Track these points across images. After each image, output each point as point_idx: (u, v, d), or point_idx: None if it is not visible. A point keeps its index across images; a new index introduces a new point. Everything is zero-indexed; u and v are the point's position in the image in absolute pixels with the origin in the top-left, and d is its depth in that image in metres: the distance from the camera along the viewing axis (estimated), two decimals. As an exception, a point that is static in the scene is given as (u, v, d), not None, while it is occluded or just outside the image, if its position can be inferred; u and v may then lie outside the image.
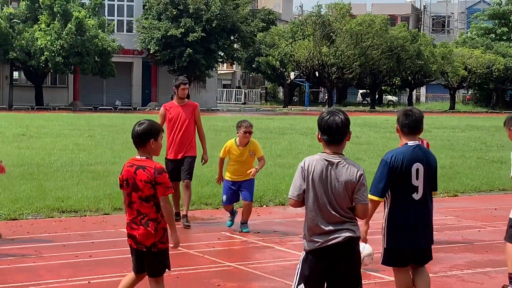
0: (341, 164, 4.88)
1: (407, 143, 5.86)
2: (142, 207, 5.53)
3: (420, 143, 5.98)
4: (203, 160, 10.69)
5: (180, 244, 9.16)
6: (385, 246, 5.84)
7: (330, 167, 4.88)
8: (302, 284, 4.91)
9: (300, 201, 4.95)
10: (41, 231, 9.68)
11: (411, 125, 5.86)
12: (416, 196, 5.73)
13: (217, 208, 12.01)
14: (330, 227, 4.85)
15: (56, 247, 8.78)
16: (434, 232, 5.98)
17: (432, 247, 5.96)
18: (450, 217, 11.59)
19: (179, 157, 10.40)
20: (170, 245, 5.70)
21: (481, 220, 11.33)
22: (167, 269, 5.77)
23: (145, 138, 5.57)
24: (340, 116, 4.93)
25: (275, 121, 38.44)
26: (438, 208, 10.81)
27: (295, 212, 11.55)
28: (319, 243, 4.85)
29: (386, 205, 5.83)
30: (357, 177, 4.86)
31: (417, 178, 5.71)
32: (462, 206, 12.81)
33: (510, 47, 70.10)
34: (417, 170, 5.72)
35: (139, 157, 5.62)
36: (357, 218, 4.98)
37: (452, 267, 8.31)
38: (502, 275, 7.94)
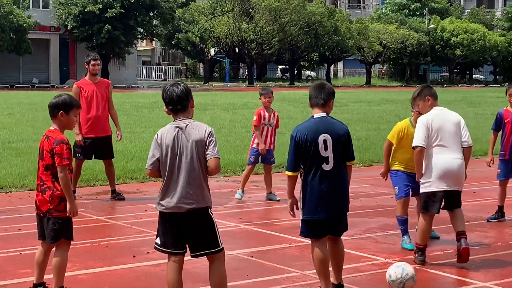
0: (189, 126, 5.33)
1: (313, 116, 5.97)
2: (43, 175, 5.87)
3: (325, 114, 5.96)
4: (118, 136, 10.81)
5: (109, 216, 9.52)
6: (301, 218, 5.99)
7: (180, 132, 5.33)
8: (159, 237, 5.46)
9: (156, 170, 5.41)
10: (-33, 207, 9.77)
11: (317, 97, 5.94)
12: (327, 167, 5.82)
13: (142, 182, 12.32)
14: (177, 195, 5.29)
15: (-16, 222, 8.92)
16: (350, 200, 6.17)
17: (349, 213, 6.19)
18: (365, 185, 12.23)
19: (94, 135, 10.50)
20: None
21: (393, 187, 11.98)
22: (66, 239, 5.92)
23: (55, 109, 5.91)
24: (180, 86, 5.40)
25: (196, 97, 38.31)
26: (354, 177, 11.37)
27: (218, 184, 11.98)
28: (164, 207, 5.35)
29: (301, 177, 6.00)
30: (206, 134, 5.31)
31: (325, 149, 5.82)
32: (376, 175, 13.34)
33: (423, 22, 72.11)
34: (325, 141, 5.81)
35: (52, 128, 5.96)
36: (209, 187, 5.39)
37: (366, 230, 8.90)
38: (412, 236, 8.55)
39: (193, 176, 5.31)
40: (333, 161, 5.85)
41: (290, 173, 5.95)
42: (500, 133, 9.75)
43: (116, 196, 10.65)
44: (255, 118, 10.59)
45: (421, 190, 7.43)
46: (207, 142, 5.29)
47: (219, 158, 5.34)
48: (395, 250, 7.93)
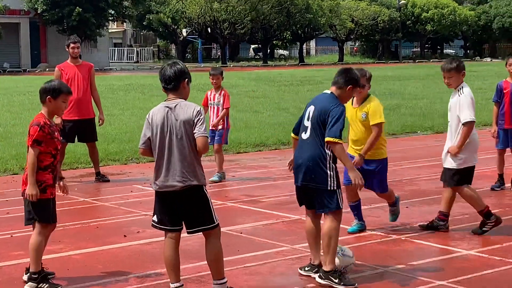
0: (178, 106, 5.45)
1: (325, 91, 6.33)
2: (27, 156, 5.92)
3: (330, 92, 6.18)
4: (101, 121, 10.87)
5: (95, 198, 9.60)
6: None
7: (169, 111, 5.45)
8: (155, 215, 5.59)
9: (148, 149, 5.54)
10: (-47, 193, 9.78)
11: (335, 77, 6.32)
12: (304, 136, 6.10)
13: (125, 164, 12.39)
14: (170, 174, 5.41)
15: (-28, 207, 8.96)
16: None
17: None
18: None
19: (77, 118, 10.55)
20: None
21: (374, 162, 12.17)
22: (39, 222, 5.89)
23: (43, 94, 5.99)
24: (174, 66, 5.51)
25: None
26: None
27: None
28: (158, 187, 5.48)
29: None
30: (194, 113, 5.41)
31: (308, 119, 6.10)
32: (356, 151, 13.66)
33: (394, -2, 72.42)
34: (309, 112, 6.12)
35: (41, 112, 6.03)
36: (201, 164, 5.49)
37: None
38: (382, 211, 8.76)
39: (184, 155, 5.41)
40: (310, 131, 6.06)
41: (291, 134, 6.48)
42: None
43: (101, 178, 10.72)
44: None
45: (463, 165, 7.47)
46: (195, 121, 5.39)
47: (207, 137, 5.44)
48: (380, 222, 8.11)
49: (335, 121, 5.91)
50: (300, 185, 6.09)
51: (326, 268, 5.95)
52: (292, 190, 9.93)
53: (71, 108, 10.48)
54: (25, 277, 6.02)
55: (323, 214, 6.12)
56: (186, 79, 5.50)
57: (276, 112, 20.38)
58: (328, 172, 5.96)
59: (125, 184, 10.54)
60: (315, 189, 6.00)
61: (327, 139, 5.91)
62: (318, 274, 6.02)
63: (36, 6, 52.88)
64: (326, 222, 6.03)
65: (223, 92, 10.70)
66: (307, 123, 6.08)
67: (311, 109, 6.10)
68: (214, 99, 10.61)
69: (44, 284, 5.86)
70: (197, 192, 5.48)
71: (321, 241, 6.11)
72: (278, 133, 15.70)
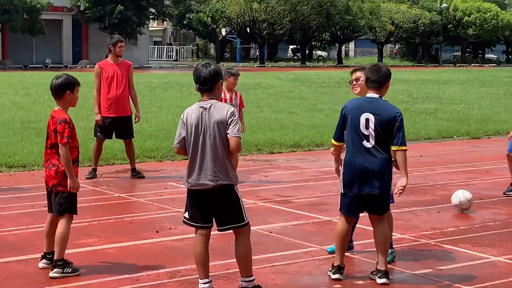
0: (212, 106, 5.56)
1: (366, 96, 6.20)
2: (49, 153, 6.19)
3: (378, 96, 6.12)
4: (137, 118, 11.05)
5: (130, 194, 9.79)
6: (341, 191, 6.18)
7: (204, 112, 5.56)
8: (187, 211, 5.70)
9: (182, 148, 5.66)
10: (-7, 185, 10.05)
11: (372, 79, 6.15)
12: (367, 144, 5.99)
13: (160, 161, 12.58)
14: (203, 172, 5.53)
15: (10, 199, 9.22)
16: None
17: None
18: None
19: (114, 115, 10.72)
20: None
21: (408, 166, 12.16)
22: (70, 213, 6.23)
23: (62, 90, 6.18)
24: (209, 67, 5.60)
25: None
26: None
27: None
28: (190, 185, 5.60)
29: (344, 151, 6.26)
30: (228, 114, 5.53)
31: (366, 128, 5.99)
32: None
33: (435, 1, 71.79)
34: (367, 119, 5.99)
35: (56, 108, 6.24)
36: (233, 164, 5.63)
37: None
38: (427, 213, 8.81)
39: (216, 155, 5.53)
40: (374, 140, 6.00)
41: (333, 142, 6.33)
42: None
43: (136, 174, 10.91)
44: None
45: None
46: (229, 122, 5.51)
47: (240, 137, 5.56)
48: (410, 226, 8.15)
49: (403, 129, 6.07)
50: (365, 193, 6.07)
51: (385, 267, 6.13)
52: (323, 191, 10.09)
53: (110, 105, 10.69)
54: (41, 264, 6.36)
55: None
56: (221, 80, 5.63)
57: (312, 113, 20.42)
58: (391, 178, 6.16)
59: (160, 181, 10.71)
60: (378, 195, 6.08)
61: (400, 147, 6.04)
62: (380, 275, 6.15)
63: (79, 3, 53.68)
64: (380, 225, 6.18)
65: (238, 93, 10.73)
66: (367, 131, 6.01)
67: (369, 117, 6.00)
68: (232, 100, 10.58)
69: (68, 269, 6.18)
70: (228, 191, 5.60)
71: (377, 244, 6.22)
72: (313, 135, 15.76)
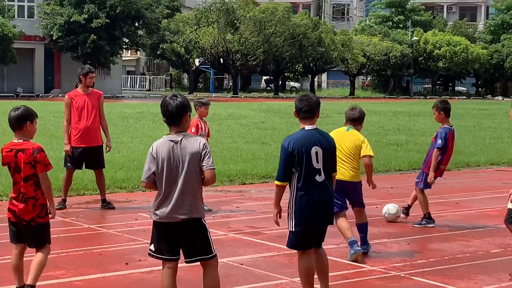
0: (184, 139, 5.54)
1: (304, 128, 6.09)
2: (22, 186, 6.07)
3: (315, 126, 6.11)
4: (108, 148, 11.00)
5: (100, 225, 9.71)
6: (292, 230, 6.07)
7: (175, 146, 5.53)
8: (153, 244, 5.67)
9: (152, 182, 5.61)
10: (-40, 216, 9.89)
11: (306, 109, 6.06)
12: (319, 178, 5.98)
13: (131, 191, 12.50)
14: (172, 205, 5.50)
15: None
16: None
17: (334, 221, 6.53)
18: (351, 195, 12.46)
19: (85, 145, 10.67)
20: (51, 219, 6.27)
21: (379, 197, 12.25)
22: (49, 243, 6.28)
23: (22, 121, 6.12)
24: (176, 100, 5.57)
25: (181, 108, 38.68)
26: (339, 187, 11.67)
27: (205, 194, 12.15)
28: (158, 217, 5.57)
29: (292, 189, 6.09)
30: (201, 146, 5.53)
31: (317, 161, 5.96)
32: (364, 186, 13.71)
33: (406, 34, 72.79)
34: (316, 153, 5.96)
35: (16, 140, 6.16)
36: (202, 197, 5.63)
37: (371, 236, 9.10)
38: (397, 245, 8.84)
39: (188, 188, 5.52)
40: (324, 172, 6.02)
41: (279, 183, 6.07)
42: None
43: (106, 205, 10.83)
44: (193, 130, 10.35)
45: None
46: (202, 154, 5.51)
47: (214, 169, 5.56)
48: (380, 258, 8.16)
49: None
50: (323, 228, 6.20)
51: None
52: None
53: (80, 136, 10.63)
54: None
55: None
56: (188, 113, 5.62)
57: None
58: None
59: (130, 211, 10.64)
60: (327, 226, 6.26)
61: (335, 173, 6.37)
62: None
63: (51, 32, 53.56)
64: (323, 251, 6.30)
65: (207, 122, 10.88)
66: (318, 165, 6.01)
67: (318, 150, 6.01)
68: (204, 130, 10.65)
69: None
70: (197, 223, 5.58)
71: (319, 272, 6.24)
72: (285, 166, 15.75)
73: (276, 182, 6.10)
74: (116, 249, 8.36)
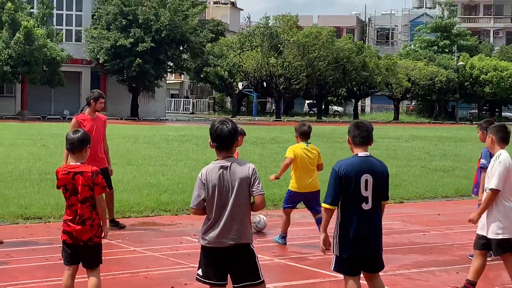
0: (233, 165, 5.52)
1: (357, 154, 6.07)
2: (79, 208, 6.19)
3: (369, 154, 6.10)
4: (110, 172, 10.98)
5: (145, 248, 9.73)
6: (336, 254, 6.05)
7: (224, 171, 5.50)
8: (201, 268, 5.63)
9: (201, 209, 5.58)
10: (8, 236, 10.02)
11: (362, 136, 6.08)
12: (366, 206, 5.90)
13: (176, 214, 12.51)
14: (220, 230, 5.48)
15: (26, 251, 9.17)
16: (383, 236, 6.25)
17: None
18: (397, 222, 12.30)
19: None
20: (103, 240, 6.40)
21: (426, 224, 12.06)
22: (101, 262, 6.42)
23: (83, 144, 6.25)
24: (228, 125, 5.55)
25: (225, 131, 38.85)
26: (385, 214, 11.45)
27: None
28: (206, 242, 5.53)
29: (338, 214, 6.07)
30: (251, 172, 5.50)
31: (366, 189, 5.89)
32: (408, 212, 13.55)
33: (451, 59, 72.17)
34: (366, 180, 5.90)
35: (73, 163, 6.25)
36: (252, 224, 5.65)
37: (400, 266, 8.97)
38: (445, 273, 8.66)
39: (237, 213, 5.49)
40: (372, 201, 5.95)
41: (327, 206, 6.01)
42: None
43: (116, 224, 10.83)
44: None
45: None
46: (252, 179, 5.49)
47: (264, 194, 5.52)
48: (428, 286, 8.00)
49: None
50: (370, 255, 6.07)
51: None
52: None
53: (88, 159, 10.72)
54: None
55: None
56: (239, 138, 5.62)
57: (329, 169, 20.25)
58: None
59: (175, 234, 10.64)
60: (378, 253, 6.12)
61: (386, 202, 6.15)
62: None
63: (98, 56, 54.43)
64: (378, 278, 6.17)
65: (237, 151, 10.83)
66: (366, 193, 5.92)
67: (368, 178, 5.93)
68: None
69: None
70: (245, 248, 5.54)
71: None
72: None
73: (325, 205, 6.05)
74: (162, 273, 8.34)
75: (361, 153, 6.07)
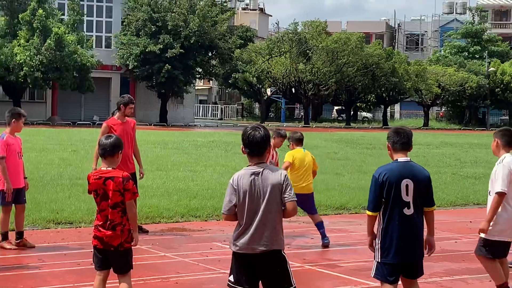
0: (265, 170, 5.49)
1: (397, 160, 6.07)
2: (110, 213, 6.20)
3: (409, 159, 6.14)
4: (141, 175, 11.06)
5: (176, 253, 9.75)
6: (378, 260, 6.06)
7: (256, 177, 5.47)
8: (232, 275, 5.58)
9: (232, 214, 5.54)
10: (40, 241, 10.11)
11: (402, 141, 6.08)
12: (408, 212, 5.92)
13: (206, 220, 12.51)
14: (252, 237, 5.43)
15: (57, 255, 9.24)
16: None
17: None
18: (428, 229, 12.17)
19: None
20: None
21: (457, 232, 11.94)
22: (131, 268, 6.43)
23: (116, 149, 6.27)
24: (261, 131, 5.53)
25: (253, 137, 38.89)
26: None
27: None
28: (238, 248, 5.49)
29: (380, 220, 6.09)
30: (282, 178, 5.47)
31: (407, 194, 5.91)
32: (439, 219, 13.31)
33: (482, 65, 71.48)
34: (407, 186, 5.91)
35: (105, 168, 6.26)
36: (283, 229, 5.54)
37: (432, 274, 8.87)
38: (478, 281, 8.54)
39: (268, 219, 5.46)
40: (413, 206, 5.94)
41: (370, 213, 6.06)
42: None
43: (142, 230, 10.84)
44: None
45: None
46: (284, 185, 5.46)
47: (296, 201, 5.50)
48: (462, 295, 7.89)
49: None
50: (411, 261, 6.04)
51: None
52: (372, 256, 9.86)
53: (120, 163, 10.78)
54: None
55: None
56: (279, 140, 5.60)
57: (358, 175, 20.24)
58: None
59: (205, 241, 10.64)
60: (419, 260, 6.09)
61: (431, 208, 6.07)
62: None
63: (127, 62, 54.79)
64: (416, 284, 6.15)
65: (278, 153, 11.03)
66: (408, 198, 5.93)
67: (409, 183, 5.93)
68: (274, 159, 10.76)
69: None
70: (276, 255, 5.51)
71: None
72: (359, 197, 15.56)
73: (368, 212, 6.10)
74: (193, 279, 8.34)
75: (402, 159, 6.08)
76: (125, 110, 10.81)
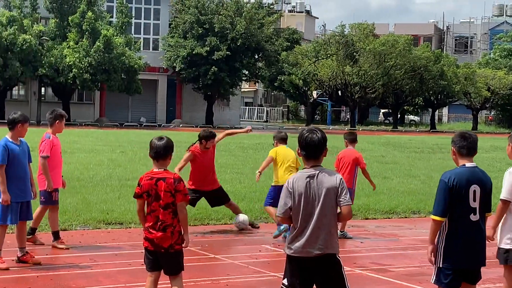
0: (321, 173, 5.42)
1: (464, 165, 5.99)
2: (161, 214, 6.21)
3: (475, 164, 6.04)
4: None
5: (225, 255, 9.75)
6: (439, 266, 5.96)
7: (311, 180, 5.41)
8: (286, 278, 5.53)
9: (287, 217, 5.50)
10: (91, 241, 10.22)
11: (469, 146, 6.03)
12: (474, 218, 5.87)
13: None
14: (306, 240, 5.38)
15: (109, 255, 9.31)
16: None
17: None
18: (480, 234, 11.96)
19: (206, 190, 11.47)
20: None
21: (510, 237, 11.66)
22: (183, 269, 6.43)
23: (168, 151, 6.30)
24: (318, 134, 5.47)
25: (299, 140, 38.79)
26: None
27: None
28: (292, 251, 5.44)
29: (444, 225, 5.94)
30: (338, 181, 5.41)
31: (474, 200, 5.87)
32: (490, 224, 13.15)
33: (533, 68, 70.17)
34: (474, 191, 5.88)
35: (156, 169, 6.30)
36: (337, 233, 5.50)
37: (485, 280, 8.66)
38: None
39: (323, 222, 5.42)
40: (479, 212, 5.91)
41: (437, 218, 5.92)
42: None
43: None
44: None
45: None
46: (339, 189, 5.41)
47: (351, 205, 5.44)
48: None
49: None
50: (475, 268, 6.04)
51: None
52: (422, 261, 9.74)
53: (200, 182, 11.39)
54: None
55: None
56: (326, 148, 5.55)
57: (407, 179, 20.01)
58: None
59: (254, 243, 10.62)
60: (482, 266, 6.08)
61: (489, 214, 6.05)
62: None
63: (174, 64, 55.23)
64: None
65: None
66: (475, 204, 5.89)
67: (476, 189, 5.90)
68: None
69: None
70: (331, 259, 5.46)
71: None
72: (408, 201, 15.39)
73: (434, 217, 5.95)
74: (243, 281, 8.33)
75: (469, 164, 6.02)
76: (206, 144, 11.39)
